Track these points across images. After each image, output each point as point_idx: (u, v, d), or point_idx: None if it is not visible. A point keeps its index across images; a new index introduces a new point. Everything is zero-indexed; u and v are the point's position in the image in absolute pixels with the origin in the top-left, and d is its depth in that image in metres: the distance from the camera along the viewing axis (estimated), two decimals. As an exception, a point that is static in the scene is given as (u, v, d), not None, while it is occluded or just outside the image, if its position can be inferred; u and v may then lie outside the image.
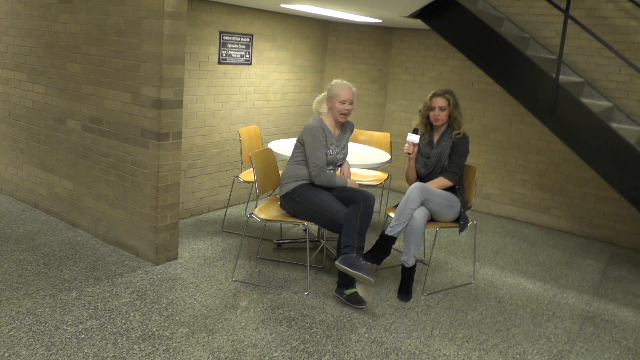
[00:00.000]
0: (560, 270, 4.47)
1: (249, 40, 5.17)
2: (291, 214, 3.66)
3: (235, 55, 5.07)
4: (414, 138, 3.76)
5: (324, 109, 3.71)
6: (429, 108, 3.77)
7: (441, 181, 3.73)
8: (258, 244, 4.39)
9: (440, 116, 3.73)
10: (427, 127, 3.87)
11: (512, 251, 4.82)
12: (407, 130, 6.23)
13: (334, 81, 3.67)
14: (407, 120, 6.29)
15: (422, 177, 3.88)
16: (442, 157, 3.76)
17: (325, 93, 3.73)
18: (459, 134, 3.75)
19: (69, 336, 2.89)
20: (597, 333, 3.45)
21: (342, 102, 3.59)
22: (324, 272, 4.00)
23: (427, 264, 4.23)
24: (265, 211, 3.73)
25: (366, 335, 3.16)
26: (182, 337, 2.98)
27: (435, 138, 3.82)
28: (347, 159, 3.92)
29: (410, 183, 3.92)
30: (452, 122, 3.78)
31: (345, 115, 3.63)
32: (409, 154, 3.83)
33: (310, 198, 3.55)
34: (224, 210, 5.17)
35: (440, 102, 3.72)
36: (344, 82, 3.65)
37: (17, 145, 4.91)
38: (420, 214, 3.59)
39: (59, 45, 4.31)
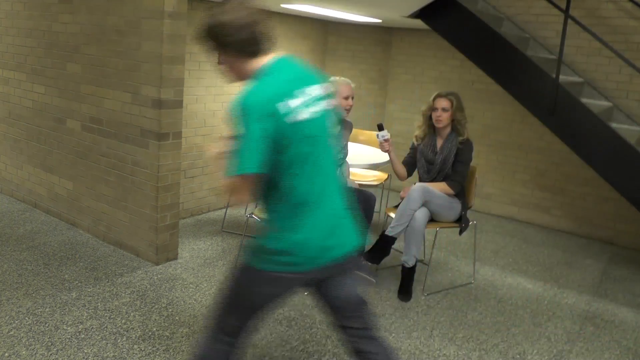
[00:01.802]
0: (560, 270, 4.47)
1: (249, 40, 5.17)
2: (291, 214, 3.66)
3: (235, 55, 5.07)
4: (385, 134, 3.72)
5: None
6: (432, 109, 3.75)
7: (443, 187, 3.71)
8: (258, 244, 4.38)
9: (442, 117, 3.69)
10: (430, 129, 3.84)
11: (512, 251, 4.82)
12: (408, 130, 6.25)
13: (332, 79, 3.70)
14: (408, 120, 6.30)
15: (423, 182, 3.85)
16: (445, 164, 3.72)
17: None
18: (462, 142, 3.70)
19: (69, 336, 2.89)
20: (597, 333, 3.46)
21: (346, 98, 3.62)
22: (324, 272, 4.00)
23: (427, 264, 4.23)
24: (265, 211, 3.73)
25: (366, 335, 3.16)
26: (182, 337, 2.98)
27: (439, 144, 3.78)
28: (346, 159, 3.92)
29: (401, 177, 3.90)
30: (456, 125, 3.73)
31: (348, 110, 3.66)
32: (387, 150, 3.76)
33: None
34: (224, 210, 5.18)
35: (443, 103, 3.69)
36: (342, 78, 3.67)
37: (17, 145, 4.91)
38: (421, 215, 3.59)
39: (59, 45, 4.31)
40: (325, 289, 2.02)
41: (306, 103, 1.85)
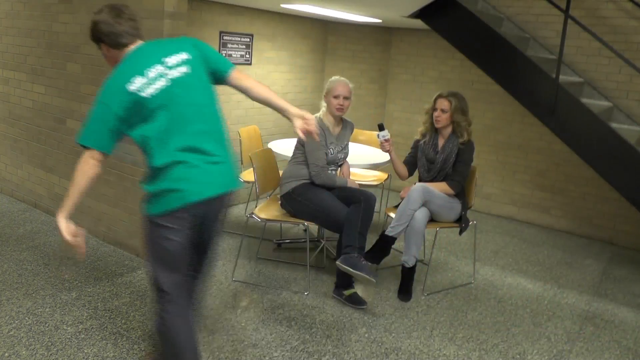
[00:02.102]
0: (560, 270, 4.47)
1: (249, 40, 5.17)
2: (292, 214, 3.66)
3: (235, 55, 5.07)
4: (385, 134, 3.72)
5: (323, 107, 3.71)
6: (433, 108, 3.75)
7: (443, 187, 3.70)
8: (258, 244, 4.39)
9: (440, 118, 3.70)
10: (432, 127, 3.83)
11: (512, 251, 4.82)
12: (408, 130, 6.25)
13: (331, 78, 3.70)
14: (407, 120, 6.30)
15: (424, 181, 3.85)
16: (446, 163, 3.72)
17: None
18: (463, 142, 3.70)
19: (69, 336, 2.89)
20: (597, 333, 3.46)
21: (336, 97, 3.59)
22: (324, 272, 4.00)
23: (427, 264, 4.23)
24: (266, 211, 3.73)
25: (366, 335, 3.16)
26: (182, 337, 2.98)
27: (440, 143, 3.78)
28: (346, 159, 3.92)
29: (402, 177, 3.91)
30: (455, 127, 3.73)
31: (341, 109, 3.62)
32: (387, 150, 3.77)
33: (311, 197, 3.55)
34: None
35: (442, 103, 3.70)
36: (340, 77, 3.66)
37: (17, 145, 4.91)
38: (421, 215, 3.59)
39: (59, 45, 4.31)
40: (201, 233, 2.31)
41: (157, 77, 2.15)
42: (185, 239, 2.21)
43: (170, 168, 2.14)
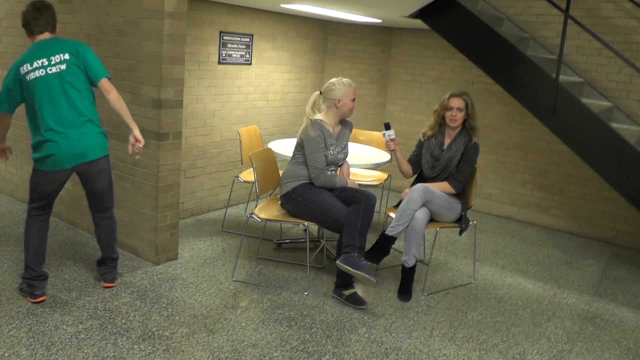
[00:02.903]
0: (560, 270, 4.47)
1: (249, 40, 5.17)
2: (292, 214, 3.66)
3: (235, 55, 5.07)
4: (391, 133, 3.72)
5: (322, 109, 3.68)
6: (446, 108, 3.72)
7: (445, 186, 3.71)
8: (258, 244, 4.39)
9: (457, 117, 3.68)
10: (440, 128, 3.84)
11: (512, 251, 4.82)
12: (408, 130, 6.25)
13: (335, 81, 3.63)
14: (407, 121, 6.30)
15: (426, 179, 3.86)
16: (451, 162, 3.73)
17: (315, 95, 3.71)
18: (469, 143, 3.72)
19: (69, 336, 2.89)
20: (597, 333, 3.46)
21: (353, 100, 3.63)
22: (324, 272, 4.00)
23: (427, 264, 4.23)
24: (266, 211, 3.73)
25: (366, 335, 3.16)
26: (182, 337, 2.98)
27: (447, 142, 3.78)
28: (347, 159, 3.92)
29: (406, 175, 3.91)
30: (468, 126, 3.74)
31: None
32: (393, 150, 3.78)
33: (311, 197, 3.55)
34: (224, 210, 5.18)
35: (458, 102, 3.69)
36: (344, 80, 3.64)
37: (17, 145, 4.91)
38: (422, 215, 3.59)
39: (59, 45, 4.31)
40: (84, 182, 3.22)
41: (39, 68, 2.96)
42: (53, 185, 3.09)
43: (42, 144, 2.99)
